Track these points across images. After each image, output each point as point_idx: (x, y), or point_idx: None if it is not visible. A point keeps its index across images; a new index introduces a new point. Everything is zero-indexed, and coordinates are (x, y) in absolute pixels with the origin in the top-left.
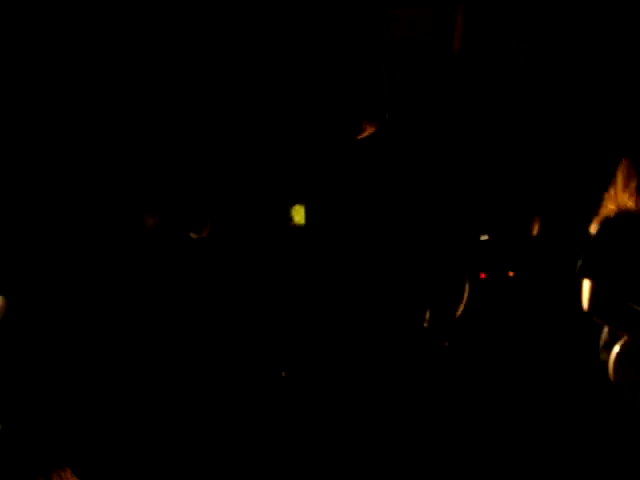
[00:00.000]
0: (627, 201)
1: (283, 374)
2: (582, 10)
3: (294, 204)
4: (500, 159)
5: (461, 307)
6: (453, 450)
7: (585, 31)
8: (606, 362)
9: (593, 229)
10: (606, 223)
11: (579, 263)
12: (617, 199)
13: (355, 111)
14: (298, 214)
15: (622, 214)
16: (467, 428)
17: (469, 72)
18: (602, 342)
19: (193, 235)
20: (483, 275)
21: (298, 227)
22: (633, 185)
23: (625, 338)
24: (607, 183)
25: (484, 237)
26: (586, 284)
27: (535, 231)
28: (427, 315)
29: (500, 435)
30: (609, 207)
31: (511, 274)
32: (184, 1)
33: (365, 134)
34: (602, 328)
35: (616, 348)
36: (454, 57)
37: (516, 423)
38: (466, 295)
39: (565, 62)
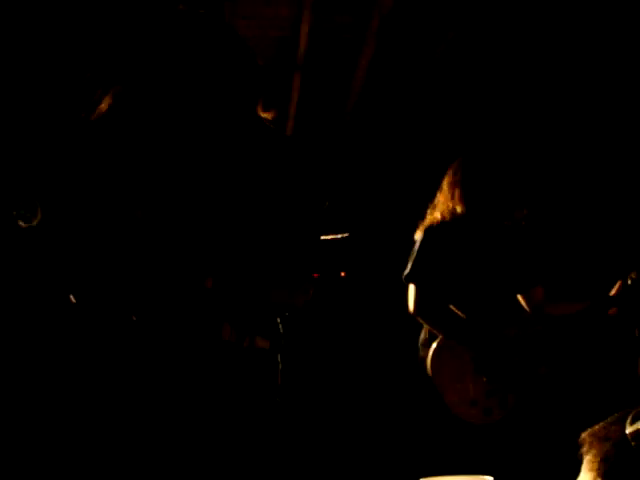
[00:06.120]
0: (456, 206)
1: None
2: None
3: None
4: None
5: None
6: None
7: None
8: (424, 358)
9: (417, 236)
10: (430, 231)
11: (405, 269)
12: (442, 206)
13: None
14: None
15: (446, 222)
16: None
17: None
18: (421, 340)
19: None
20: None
21: None
22: (458, 192)
23: (440, 337)
24: (432, 191)
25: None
26: (411, 288)
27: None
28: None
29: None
30: (434, 215)
31: (343, 274)
32: None
33: None
34: (422, 328)
35: (433, 345)
36: None
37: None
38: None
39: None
